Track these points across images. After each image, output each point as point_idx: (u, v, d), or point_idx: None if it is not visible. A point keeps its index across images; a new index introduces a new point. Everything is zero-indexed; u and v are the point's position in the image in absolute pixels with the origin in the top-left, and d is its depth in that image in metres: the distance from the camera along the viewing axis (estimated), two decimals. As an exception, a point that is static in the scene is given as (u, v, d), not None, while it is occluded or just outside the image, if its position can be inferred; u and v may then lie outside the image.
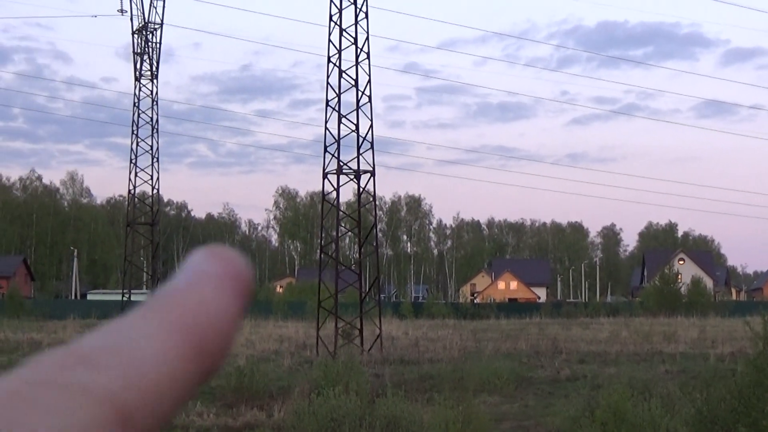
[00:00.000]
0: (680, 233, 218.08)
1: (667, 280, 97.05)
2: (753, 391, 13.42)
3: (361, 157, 44.45)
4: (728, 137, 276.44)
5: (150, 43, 68.24)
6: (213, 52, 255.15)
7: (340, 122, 44.33)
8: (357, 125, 44.47)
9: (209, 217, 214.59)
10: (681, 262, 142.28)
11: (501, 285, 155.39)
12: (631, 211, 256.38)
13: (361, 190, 45.31)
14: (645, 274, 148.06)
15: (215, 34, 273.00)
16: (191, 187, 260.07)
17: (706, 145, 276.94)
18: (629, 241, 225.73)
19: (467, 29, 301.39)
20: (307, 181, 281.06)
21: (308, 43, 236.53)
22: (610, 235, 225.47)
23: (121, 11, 69.24)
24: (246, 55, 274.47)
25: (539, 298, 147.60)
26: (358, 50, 45.01)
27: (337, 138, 44.22)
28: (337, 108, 44.63)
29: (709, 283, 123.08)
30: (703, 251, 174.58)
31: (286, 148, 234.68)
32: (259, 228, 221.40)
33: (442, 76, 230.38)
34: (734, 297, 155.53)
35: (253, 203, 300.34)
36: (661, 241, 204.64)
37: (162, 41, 68.23)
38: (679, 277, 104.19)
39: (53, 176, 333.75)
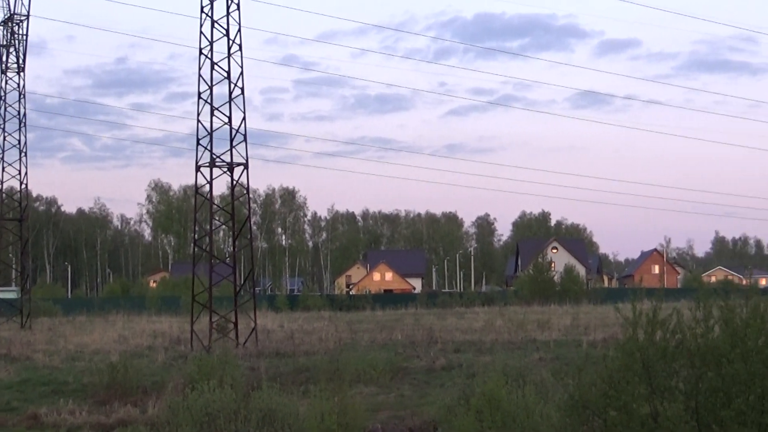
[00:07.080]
0: (553, 222, 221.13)
1: (541, 269, 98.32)
2: (623, 375, 13.60)
3: (234, 149, 44.17)
4: (603, 127, 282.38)
5: (16, 35, 66.78)
6: (87, 45, 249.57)
7: (212, 115, 44.01)
8: (230, 117, 44.19)
9: (80, 212, 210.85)
10: (554, 251, 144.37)
11: (376, 276, 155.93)
12: (505, 201, 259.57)
13: (235, 182, 45.01)
14: (519, 263, 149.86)
15: (89, 27, 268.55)
16: (64, 181, 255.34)
17: (582, 134, 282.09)
18: (503, 230, 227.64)
19: (346, 21, 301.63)
20: (182, 175, 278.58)
21: (184, 36, 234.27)
22: (485, 225, 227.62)
23: (-15, 2, 67.45)
24: (121, 48, 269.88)
25: (414, 288, 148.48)
26: (230, 42, 44.70)
27: (209, 130, 43.89)
28: (209, 100, 44.29)
29: (581, 270, 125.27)
30: (576, 239, 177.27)
31: (163, 141, 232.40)
32: (132, 222, 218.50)
33: (320, 68, 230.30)
34: (606, 284, 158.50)
35: (128, 198, 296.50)
36: (535, 231, 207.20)
37: (29, 33, 66.84)
38: (553, 265, 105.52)
39: None
